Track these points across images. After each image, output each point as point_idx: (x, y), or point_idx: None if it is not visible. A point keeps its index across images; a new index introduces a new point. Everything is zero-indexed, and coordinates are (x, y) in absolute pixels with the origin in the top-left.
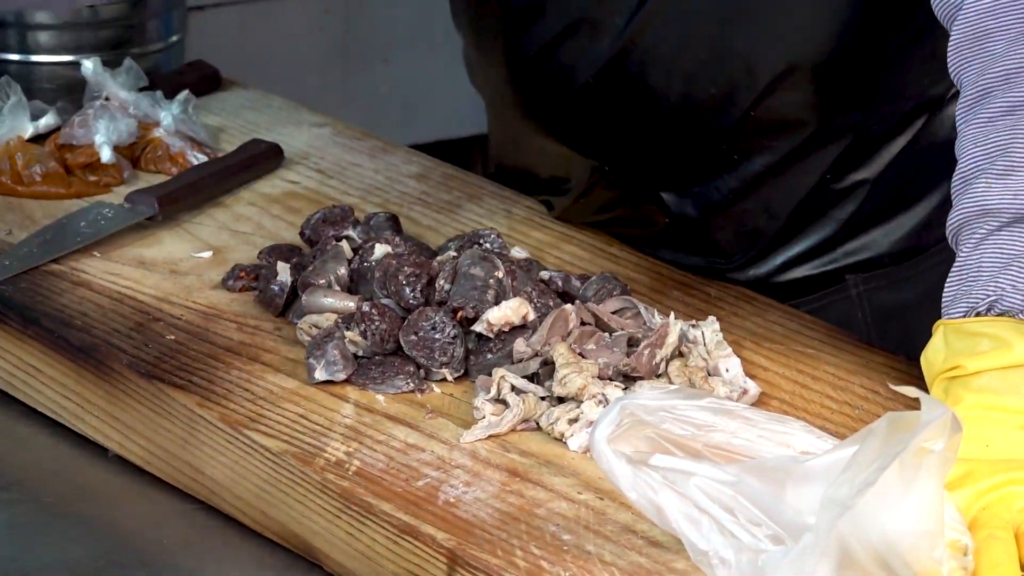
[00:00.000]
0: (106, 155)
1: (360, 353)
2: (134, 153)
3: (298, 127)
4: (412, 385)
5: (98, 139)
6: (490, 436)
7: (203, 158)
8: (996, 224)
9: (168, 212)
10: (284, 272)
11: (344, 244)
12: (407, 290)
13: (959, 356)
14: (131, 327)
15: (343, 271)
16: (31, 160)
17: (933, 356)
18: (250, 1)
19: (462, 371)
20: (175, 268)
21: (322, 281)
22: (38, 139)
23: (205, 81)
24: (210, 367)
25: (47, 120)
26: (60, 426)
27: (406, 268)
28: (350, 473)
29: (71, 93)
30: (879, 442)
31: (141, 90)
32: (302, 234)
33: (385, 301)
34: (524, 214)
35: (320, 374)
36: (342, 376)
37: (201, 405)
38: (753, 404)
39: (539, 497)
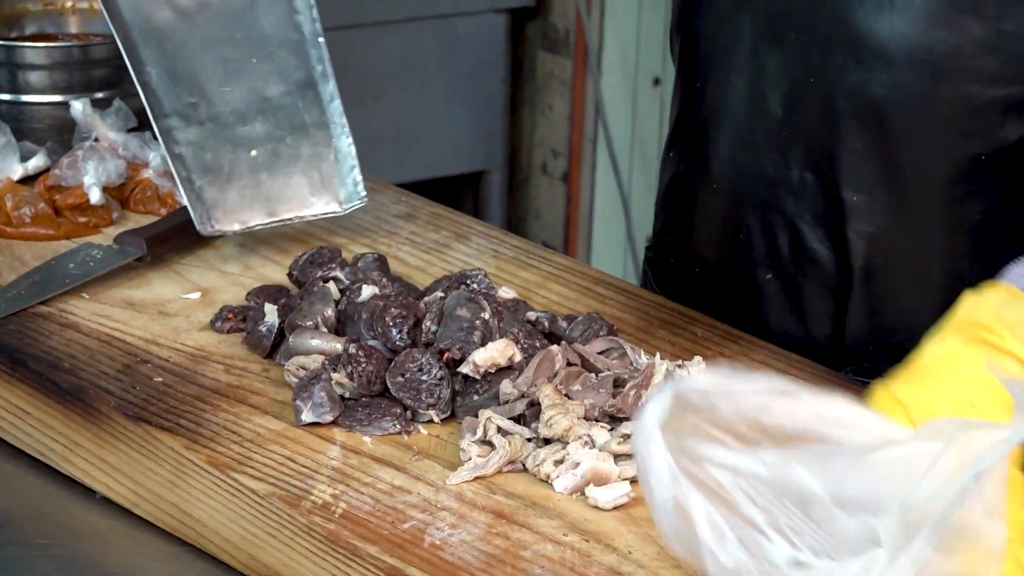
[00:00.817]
0: (95, 196)
1: (347, 395)
2: (123, 194)
3: None
4: (399, 427)
5: (87, 180)
6: (476, 478)
7: None
8: None
9: (156, 253)
10: (272, 314)
11: (331, 285)
12: (394, 331)
13: (1007, 324)
14: (119, 369)
15: (330, 312)
16: (20, 202)
17: (977, 307)
18: None
19: (448, 412)
20: (163, 309)
21: (309, 323)
22: (27, 180)
23: None
24: (198, 409)
25: (36, 161)
26: (48, 468)
27: (393, 309)
28: (336, 516)
29: (60, 133)
30: (961, 446)
31: (130, 131)
32: (290, 275)
33: (372, 343)
34: (512, 254)
35: (307, 416)
36: (329, 418)
37: (188, 448)
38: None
39: (525, 539)
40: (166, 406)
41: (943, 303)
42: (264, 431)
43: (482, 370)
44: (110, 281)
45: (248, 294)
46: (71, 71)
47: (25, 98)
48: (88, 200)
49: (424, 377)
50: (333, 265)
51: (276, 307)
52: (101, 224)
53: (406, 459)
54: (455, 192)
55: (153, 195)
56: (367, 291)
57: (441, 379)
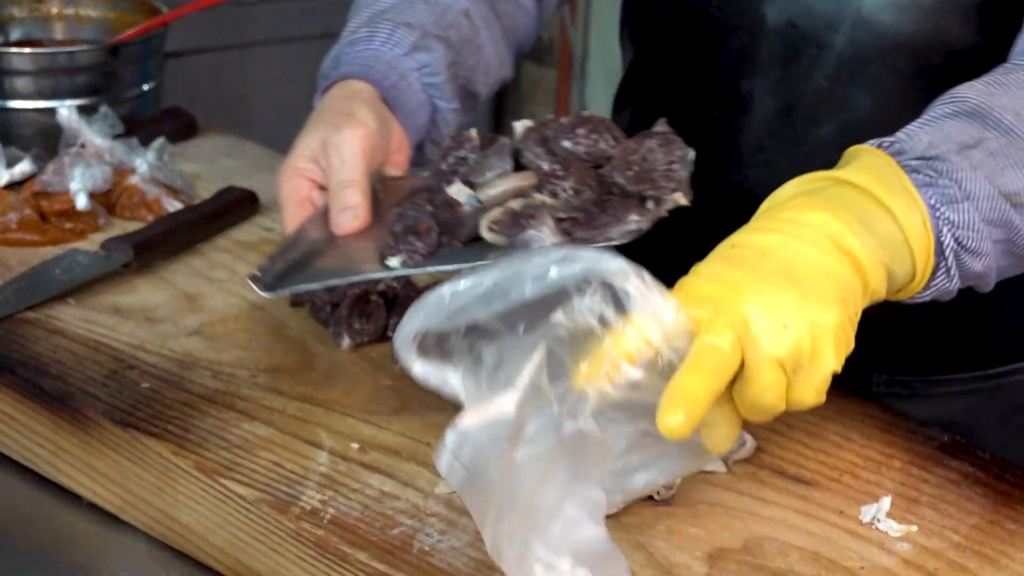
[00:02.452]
0: (82, 202)
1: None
2: (110, 200)
3: (273, 174)
4: (645, 223)
5: (73, 186)
6: None
7: (179, 205)
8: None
9: (143, 259)
10: (459, 191)
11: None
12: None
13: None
14: (106, 375)
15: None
16: (6, 208)
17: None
18: (226, 48)
19: (692, 194)
20: (151, 315)
21: (489, 174)
22: (13, 186)
23: (181, 128)
24: (185, 415)
25: (22, 167)
26: (35, 473)
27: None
28: (325, 521)
29: (47, 139)
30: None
31: (117, 137)
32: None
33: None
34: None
35: (547, 238)
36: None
37: (176, 453)
38: (746, 459)
39: None
40: (153, 411)
41: None
42: (252, 437)
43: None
44: (97, 287)
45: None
46: (57, 77)
47: (11, 104)
48: (74, 206)
49: (658, 162)
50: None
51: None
52: (87, 230)
53: (396, 465)
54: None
55: (140, 201)
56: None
57: (677, 159)
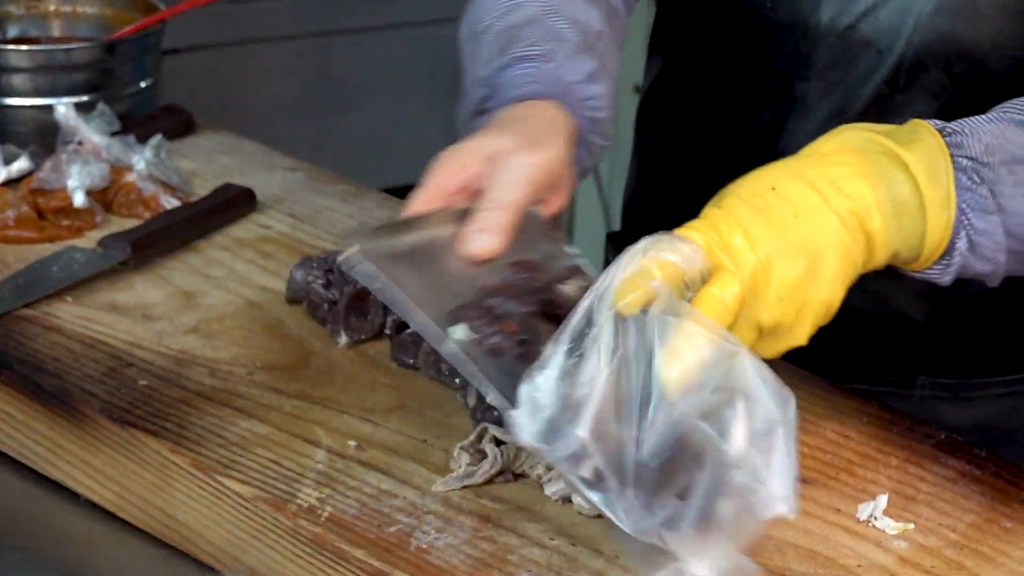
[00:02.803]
0: (79, 200)
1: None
2: (107, 197)
3: (271, 171)
4: None
5: (71, 184)
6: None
7: (176, 202)
8: None
9: (141, 257)
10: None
11: None
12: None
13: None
14: (103, 372)
15: None
16: (4, 205)
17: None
18: (223, 45)
19: None
20: (148, 313)
21: None
22: (10, 183)
23: (178, 125)
24: (182, 412)
25: (20, 164)
26: (32, 471)
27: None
28: (322, 519)
29: (44, 136)
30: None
31: (114, 134)
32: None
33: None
34: None
35: None
36: None
37: (173, 451)
38: None
39: (511, 543)
40: (151, 409)
41: None
42: (249, 434)
43: None
44: (94, 284)
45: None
46: (55, 74)
47: (8, 101)
48: (71, 203)
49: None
50: None
51: None
52: (85, 227)
53: (393, 462)
54: None
55: (137, 198)
56: None
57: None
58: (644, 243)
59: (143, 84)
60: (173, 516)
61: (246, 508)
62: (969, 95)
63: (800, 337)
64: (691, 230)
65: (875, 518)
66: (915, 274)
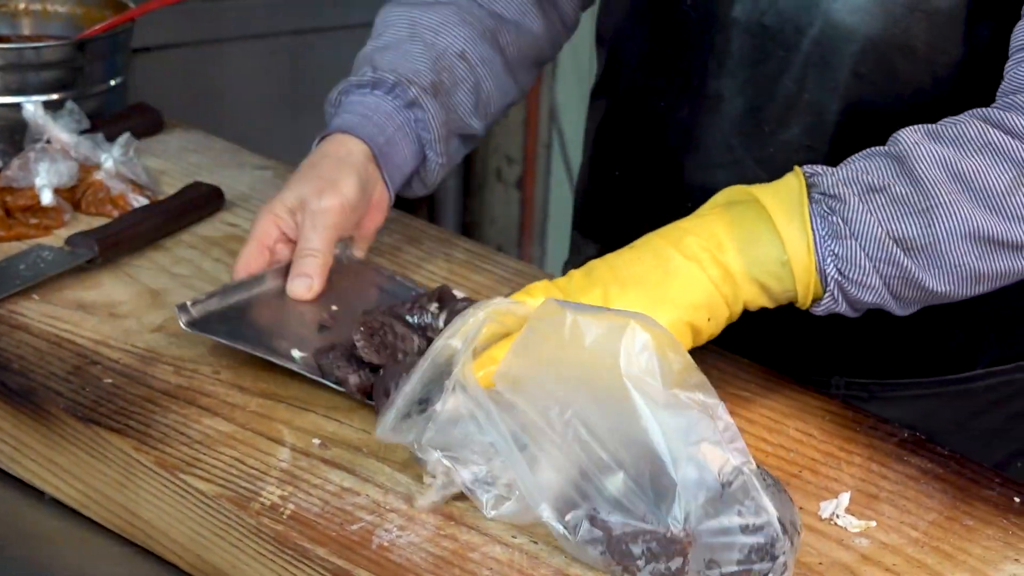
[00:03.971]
0: (46, 198)
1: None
2: (75, 196)
3: (240, 169)
4: None
5: (38, 182)
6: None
7: (144, 201)
8: None
9: (108, 255)
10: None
11: None
12: None
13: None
14: (69, 370)
15: None
16: None
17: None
18: (197, 43)
19: None
20: (114, 311)
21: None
22: None
23: (148, 123)
24: (147, 411)
25: None
26: None
27: None
28: (285, 517)
29: (12, 135)
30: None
31: (83, 133)
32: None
33: None
34: (464, 257)
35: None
36: None
37: (137, 449)
38: None
39: (473, 541)
40: (115, 407)
41: None
42: (214, 432)
43: None
44: (61, 283)
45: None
46: (24, 72)
47: None
48: (39, 202)
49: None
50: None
51: None
52: (53, 226)
53: (356, 460)
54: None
55: (105, 197)
56: None
57: None
58: (482, 311)
59: (113, 82)
60: (137, 514)
61: (209, 506)
62: (873, 95)
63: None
64: (532, 289)
65: (837, 516)
66: (817, 309)
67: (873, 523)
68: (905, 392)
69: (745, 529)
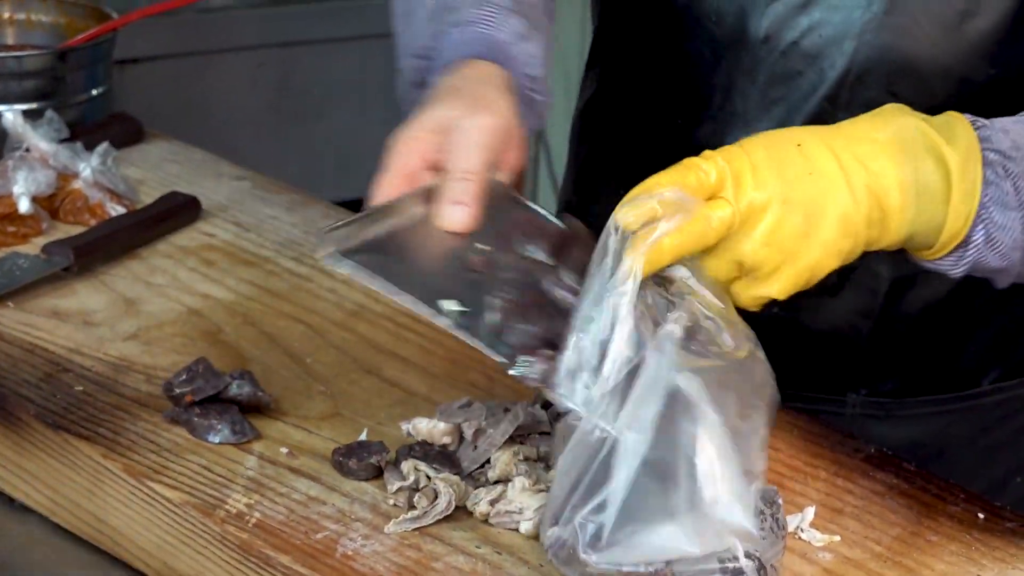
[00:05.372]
0: (24, 206)
1: None
2: (53, 204)
3: (218, 180)
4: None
5: (16, 190)
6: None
7: (122, 210)
8: None
9: (84, 263)
10: None
11: None
12: None
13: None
14: (40, 378)
15: None
16: None
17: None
18: (185, 55)
19: None
20: (89, 319)
21: None
22: None
23: (128, 133)
24: (117, 418)
25: None
26: None
27: None
28: (250, 525)
29: None
30: None
31: (62, 141)
32: None
33: None
34: None
35: None
36: None
37: (106, 456)
38: None
39: (437, 551)
40: (85, 414)
41: None
42: (183, 440)
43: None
44: (36, 290)
45: None
46: (5, 81)
47: None
48: (17, 210)
49: None
50: None
51: None
52: (30, 234)
53: (323, 470)
54: None
55: (83, 206)
56: None
57: None
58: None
59: (95, 92)
60: (105, 521)
61: (175, 513)
62: None
63: (775, 290)
64: (704, 159)
65: (802, 530)
66: (927, 263)
67: (837, 537)
68: (921, 410)
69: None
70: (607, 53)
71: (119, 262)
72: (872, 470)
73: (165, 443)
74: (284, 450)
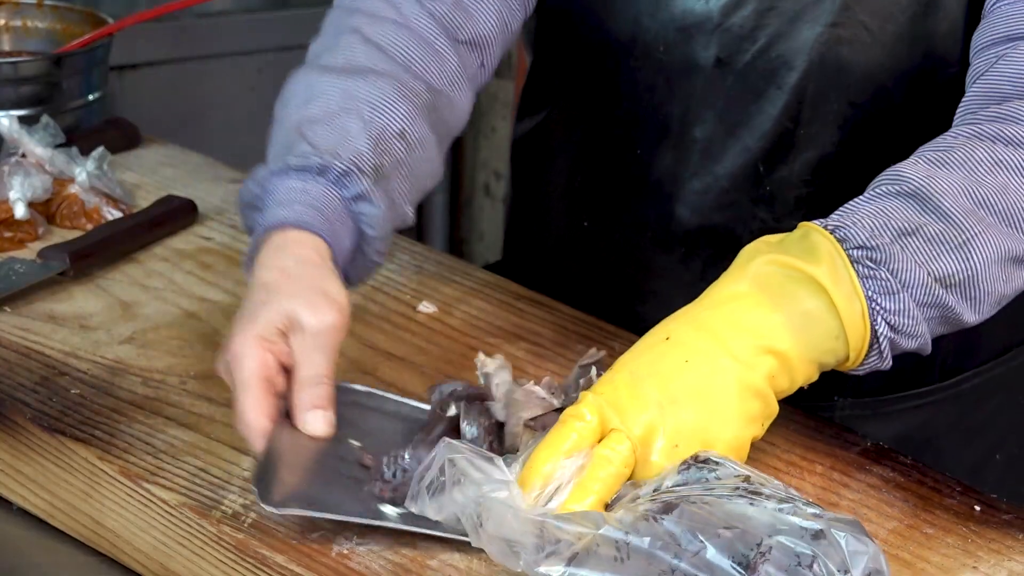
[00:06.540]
0: (20, 211)
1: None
2: (49, 209)
3: (214, 183)
4: None
5: (12, 195)
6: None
7: (118, 214)
8: None
9: (80, 267)
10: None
11: None
12: None
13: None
14: (36, 381)
15: None
16: None
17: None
18: (183, 60)
19: None
20: (85, 323)
21: None
22: None
23: (124, 138)
24: (113, 421)
25: None
26: None
27: None
28: (246, 525)
29: None
30: None
31: (58, 147)
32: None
33: None
34: (434, 269)
35: None
36: None
37: (102, 458)
38: None
39: (432, 548)
40: (81, 417)
41: None
42: (178, 442)
43: None
44: (33, 295)
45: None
46: (1, 87)
47: None
48: (13, 215)
49: None
50: None
51: None
52: (27, 239)
53: None
54: None
55: (79, 210)
56: None
57: None
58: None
59: (91, 97)
60: (102, 523)
61: (172, 515)
62: (872, 123)
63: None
64: (580, 403)
65: None
66: (859, 371)
67: None
68: (905, 404)
69: None
70: (548, 88)
71: (115, 266)
72: (868, 464)
73: (162, 445)
74: None
